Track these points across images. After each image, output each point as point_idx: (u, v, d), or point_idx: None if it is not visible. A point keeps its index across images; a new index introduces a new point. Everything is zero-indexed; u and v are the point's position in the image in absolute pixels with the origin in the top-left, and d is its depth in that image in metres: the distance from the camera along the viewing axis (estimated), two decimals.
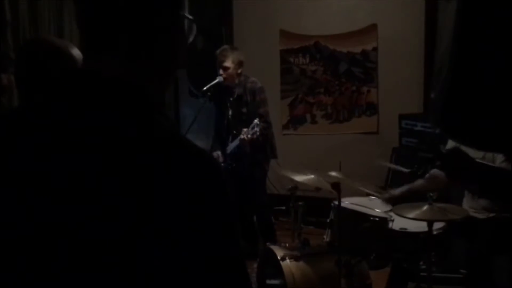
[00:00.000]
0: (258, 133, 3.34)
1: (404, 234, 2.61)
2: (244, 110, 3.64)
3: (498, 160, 2.31)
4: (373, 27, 4.64)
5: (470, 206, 2.60)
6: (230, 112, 3.72)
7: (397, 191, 2.83)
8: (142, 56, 0.74)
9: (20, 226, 0.68)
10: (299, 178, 2.83)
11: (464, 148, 2.44)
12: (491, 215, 2.53)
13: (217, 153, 3.72)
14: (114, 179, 0.66)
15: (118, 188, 0.66)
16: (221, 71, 3.59)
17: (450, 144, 2.62)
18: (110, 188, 0.66)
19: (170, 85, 0.86)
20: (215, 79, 3.58)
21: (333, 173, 2.74)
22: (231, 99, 3.70)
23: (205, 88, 3.56)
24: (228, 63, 3.58)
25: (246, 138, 3.37)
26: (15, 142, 0.72)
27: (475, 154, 2.43)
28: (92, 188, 0.66)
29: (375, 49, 4.67)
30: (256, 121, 3.36)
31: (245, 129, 3.40)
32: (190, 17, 0.79)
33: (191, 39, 0.80)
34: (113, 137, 0.68)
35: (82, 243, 0.65)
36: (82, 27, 0.76)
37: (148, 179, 0.66)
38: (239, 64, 3.63)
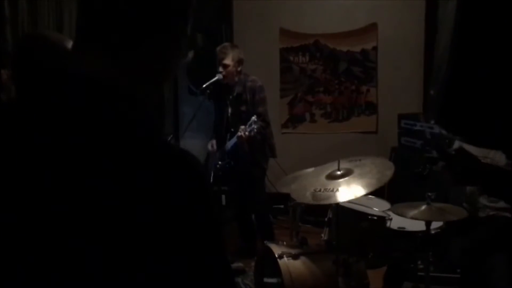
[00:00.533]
0: (255, 131, 3.33)
1: (402, 233, 2.60)
2: (244, 108, 3.63)
3: (502, 160, 2.30)
4: (373, 27, 4.64)
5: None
6: (229, 110, 3.71)
7: None
8: (130, 55, 0.72)
9: (17, 221, 0.67)
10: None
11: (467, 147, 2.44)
12: (491, 213, 2.53)
13: (212, 142, 3.73)
14: (96, 180, 0.65)
15: (100, 187, 0.65)
16: (220, 69, 3.58)
17: (456, 144, 2.62)
18: (92, 187, 0.65)
19: (160, 89, 0.84)
20: (214, 77, 3.58)
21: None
22: (230, 97, 3.69)
23: (204, 86, 3.55)
24: (228, 61, 3.57)
25: (243, 135, 3.36)
26: (7, 138, 0.71)
27: (480, 153, 2.43)
28: (77, 187, 0.65)
29: (375, 48, 4.67)
30: (253, 118, 3.35)
31: (242, 126, 3.40)
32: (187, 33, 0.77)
33: (185, 61, 0.77)
34: (92, 140, 0.67)
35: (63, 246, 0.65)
36: (78, 21, 0.75)
37: (129, 180, 0.65)
38: (239, 62, 3.62)
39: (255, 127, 3.31)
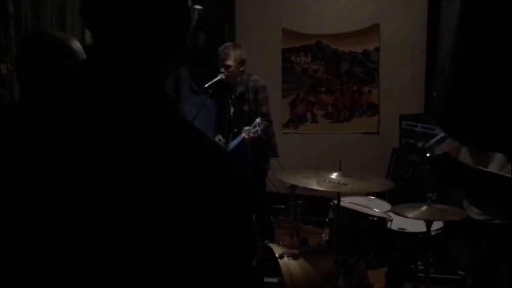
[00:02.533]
0: (259, 132, 3.33)
1: (402, 234, 2.61)
2: (246, 108, 3.64)
3: (494, 166, 2.30)
4: (375, 27, 4.64)
5: (469, 206, 2.60)
6: (231, 110, 3.72)
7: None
8: (154, 48, 0.76)
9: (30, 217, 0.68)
10: (297, 181, 2.81)
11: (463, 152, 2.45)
12: (489, 217, 2.53)
13: (219, 137, 3.72)
14: (128, 173, 0.66)
15: (131, 178, 0.66)
16: (222, 69, 3.58)
17: (439, 149, 2.61)
18: (122, 178, 0.66)
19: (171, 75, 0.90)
20: (216, 76, 3.58)
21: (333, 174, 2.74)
22: (233, 96, 3.69)
23: (206, 85, 3.56)
24: (230, 61, 3.57)
25: (247, 136, 3.36)
26: (24, 135, 0.72)
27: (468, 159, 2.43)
28: (105, 178, 0.67)
29: (377, 49, 4.67)
30: (258, 120, 3.36)
31: (246, 128, 3.40)
32: (200, 7, 0.81)
33: (193, 24, 0.82)
34: (127, 127, 0.69)
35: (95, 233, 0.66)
36: (91, 21, 0.76)
37: (163, 170, 0.67)
38: (241, 62, 3.62)
39: (259, 129, 3.32)
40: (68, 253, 0.67)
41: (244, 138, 3.39)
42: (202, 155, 0.70)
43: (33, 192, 0.69)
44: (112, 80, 0.72)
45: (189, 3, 0.80)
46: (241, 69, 3.62)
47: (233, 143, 3.62)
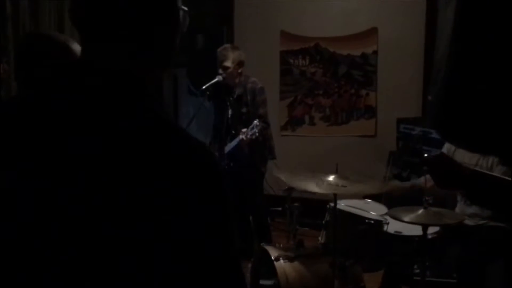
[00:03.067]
0: (257, 134, 3.34)
1: (398, 237, 2.61)
2: (244, 110, 3.64)
3: (497, 169, 2.30)
4: (373, 31, 4.64)
5: (462, 212, 2.60)
6: (229, 112, 3.72)
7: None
8: (141, 48, 0.75)
9: (23, 215, 0.67)
10: (294, 183, 2.82)
11: (461, 153, 2.45)
12: (481, 222, 2.53)
13: (215, 147, 3.71)
14: (114, 174, 0.66)
15: (116, 180, 0.66)
16: (220, 71, 3.58)
17: (446, 147, 2.62)
18: (108, 179, 0.66)
19: (164, 77, 0.88)
20: (214, 78, 3.58)
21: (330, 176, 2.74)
22: (231, 98, 3.69)
23: (204, 87, 3.55)
24: (228, 63, 3.57)
25: (245, 138, 3.36)
26: (16, 132, 0.71)
27: (470, 161, 2.43)
28: (91, 179, 0.66)
29: (375, 52, 4.67)
30: (255, 122, 3.36)
31: (244, 129, 3.39)
32: (185, 8, 0.80)
33: (184, 29, 0.81)
34: (113, 129, 0.68)
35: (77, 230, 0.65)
36: (79, 19, 0.76)
37: (148, 171, 0.66)
38: (240, 64, 3.62)
39: (257, 130, 3.32)
40: (55, 262, 0.65)
41: (241, 140, 3.40)
42: (185, 154, 0.69)
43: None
44: (92, 80, 0.72)
45: (179, 3, 0.79)
46: (239, 70, 3.63)
47: (230, 145, 3.62)
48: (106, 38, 0.74)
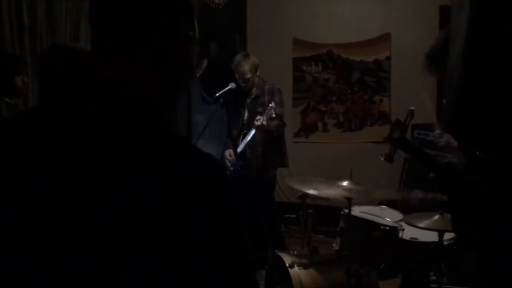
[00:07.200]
0: (273, 116, 3.38)
1: (414, 244, 2.58)
2: (260, 110, 3.65)
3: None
4: (386, 36, 4.63)
5: None
6: (246, 114, 3.74)
7: None
8: (151, 61, 0.76)
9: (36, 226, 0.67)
10: (308, 189, 2.80)
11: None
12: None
13: (229, 151, 3.72)
14: (122, 184, 0.67)
15: (130, 198, 0.66)
16: (242, 83, 3.63)
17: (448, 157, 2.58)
18: (115, 190, 0.66)
19: (182, 95, 0.87)
20: (227, 85, 3.60)
21: (344, 183, 2.73)
22: (248, 100, 3.72)
23: (217, 95, 3.58)
24: (248, 75, 3.62)
25: (263, 122, 3.38)
26: (35, 144, 0.72)
27: None
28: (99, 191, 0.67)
29: (388, 58, 4.66)
30: (272, 104, 3.40)
31: (258, 117, 3.42)
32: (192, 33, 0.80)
33: (199, 72, 0.81)
34: (128, 146, 0.69)
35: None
36: (93, 27, 0.77)
37: (156, 184, 0.66)
38: (256, 68, 3.69)
39: (273, 112, 3.34)
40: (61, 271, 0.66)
41: (259, 125, 3.40)
42: (195, 169, 0.70)
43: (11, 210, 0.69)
44: (103, 97, 0.73)
45: (195, 24, 0.79)
46: (257, 73, 3.69)
47: (244, 141, 3.62)
48: (115, 48, 0.75)
